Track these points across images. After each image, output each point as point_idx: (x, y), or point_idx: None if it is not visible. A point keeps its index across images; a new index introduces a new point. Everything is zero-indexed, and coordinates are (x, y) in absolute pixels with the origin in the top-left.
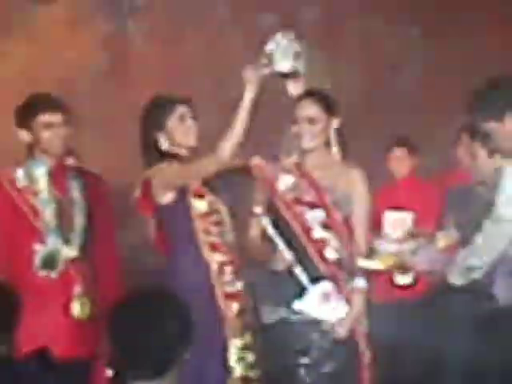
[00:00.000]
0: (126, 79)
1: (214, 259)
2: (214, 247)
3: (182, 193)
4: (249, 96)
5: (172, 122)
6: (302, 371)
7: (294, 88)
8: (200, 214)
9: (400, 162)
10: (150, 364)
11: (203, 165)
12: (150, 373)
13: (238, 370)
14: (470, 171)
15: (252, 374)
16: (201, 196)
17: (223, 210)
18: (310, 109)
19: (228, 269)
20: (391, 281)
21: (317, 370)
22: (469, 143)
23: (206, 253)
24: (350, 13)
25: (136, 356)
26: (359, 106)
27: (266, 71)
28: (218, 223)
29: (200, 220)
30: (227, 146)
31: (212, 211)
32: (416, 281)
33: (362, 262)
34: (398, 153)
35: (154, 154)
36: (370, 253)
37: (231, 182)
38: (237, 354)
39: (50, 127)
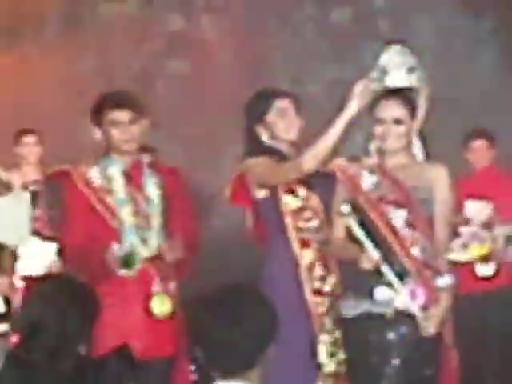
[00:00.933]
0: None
1: (305, 255)
2: (304, 243)
3: (274, 188)
4: (352, 111)
5: (272, 116)
6: (388, 368)
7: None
8: (292, 210)
9: (479, 154)
10: (238, 361)
11: (284, 170)
12: (238, 369)
13: (329, 366)
14: None
15: (342, 369)
16: (293, 192)
17: (318, 206)
18: (397, 110)
19: (318, 265)
20: (473, 272)
21: (403, 367)
22: None
23: (297, 249)
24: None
25: (224, 353)
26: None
27: (378, 86)
28: (310, 219)
29: (291, 216)
30: (311, 159)
31: (305, 207)
32: (496, 272)
33: (453, 255)
34: (477, 144)
35: (254, 148)
36: (460, 246)
37: (330, 179)
38: (327, 350)
39: (118, 125)
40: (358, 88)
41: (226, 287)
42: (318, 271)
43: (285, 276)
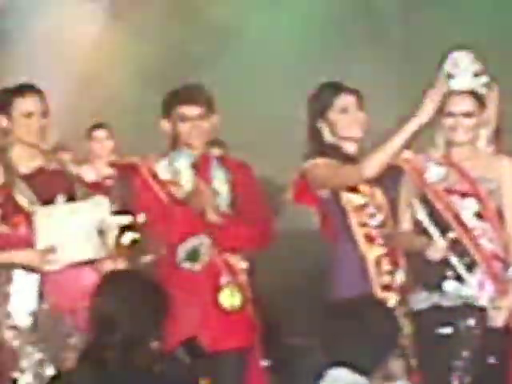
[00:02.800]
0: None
1: (371, 251)
2: (369, 239)
3: (335, 188)
4: (423, 118)
5: (334, 112)
6: (457, 360)
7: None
8: (355, 207)
9: None
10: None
11: (344, 176)
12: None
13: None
14: None
15: (413, 362)
16: (355, 189)
17: (382, 201)
18: (467, 104)
19: (386, 260)
20: None
21: (472, 358)
22: None
23: (363, 245)
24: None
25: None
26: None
27: (445, 90)
28: (374, 215)
29: (355, 213)
30: (374, 166)
31: (368, 203)
32: None
33: None
34: None
35: (316, 145)
36: None
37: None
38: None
39: (187, 120)
40: (431, 95)
41: (358, 298)
42: (386, 266)
43: (353, 273)
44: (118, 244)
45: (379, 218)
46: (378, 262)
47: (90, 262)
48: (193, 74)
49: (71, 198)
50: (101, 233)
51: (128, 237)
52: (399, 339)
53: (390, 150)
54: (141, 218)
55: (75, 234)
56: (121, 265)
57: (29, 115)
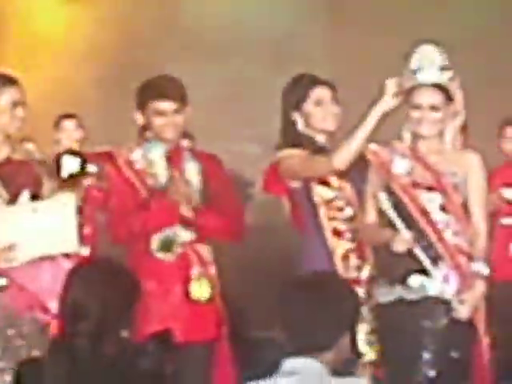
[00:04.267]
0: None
1: (339, 245)
2: (338, 233)
3: (307, 179)
4: (383, 107)
5: (309, 104)
6: (422, 354)
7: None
8: (324, 200)
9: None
10: (317, 341)
11: (315, 166)
12: (315, 349)
13: (368, 355)
14: None
15: (378, 356)
16: (326, 182)
17: (351, 194)
18: (433, 97)
19: (353, 255)
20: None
21: (437, 352)
22: None
23: (330, 239)
24: None
25: (306, 332)
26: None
27: (409, 83)
28: (343, 209)
29: (324, 206)
30: (343, 157)
31: (338, 197)
32: None
33: None
34: (510, 133)
35: (290, 136)
36: None
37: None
38: (365, 339)
39: (162, 115)
40: (389, 85)
41: (313, 273)
42: (354, 261)
43: (320, 265)
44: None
45: (348, 211)
46: (345, 257)
47: (50, 258)
48: None
49: (37, 191)
50: (64, 229)
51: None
52: (358, 318)
53: (357, 140)
54: (91, 168)
55: (36, 231)
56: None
57: (16, 104)
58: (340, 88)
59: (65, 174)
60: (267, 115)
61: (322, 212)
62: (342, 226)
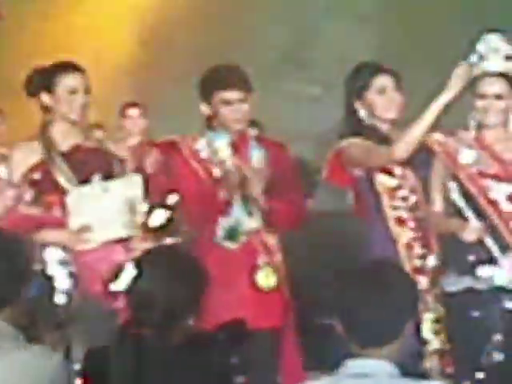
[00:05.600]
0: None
1: (402, 234)
2: (401, 222)
3: (369, 168)
4: (449, 95)
5: (371, 93)
6: (489, 344)
7: None
8: (387, 189)
9: None
10: (379, 334)
11: (377, 156)
12: (377, 343)
13: (433, 344)
14: None
15: (447, 347)
16: (388, 171)
17: (415, 183)
18: (499, 86)
19: (417, 243)
20: None
21: (504, 342)
22: None
23: (393, 227)
24: None
25: (368, 326)
26: None
27: (476, 71)
28: (407, 198)
29: (387, 195)
30: (404, 147)
31: (401, 186)
32: None
33: None
34: None
35: (352, 124)
36: None
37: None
38: (431, 328)
39: (229, 104)
40: (458, 72)
41: (370, 262)
42: (418, 249)
43: (384, 253)
44: (145, 225)
45: (412, 200)
46: (409, 246)
47: (123, 241)
48: None
49: (109, 177)
50: (133, 211)
51: (157, 219)
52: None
53: (420, 129)
54: (172, 199)
55: (108, 212)
56: (151, 244)
57: (73, 91)
58: None
59: (153, 224)
60: None
61: (385, 201)
62: (405, 215)
